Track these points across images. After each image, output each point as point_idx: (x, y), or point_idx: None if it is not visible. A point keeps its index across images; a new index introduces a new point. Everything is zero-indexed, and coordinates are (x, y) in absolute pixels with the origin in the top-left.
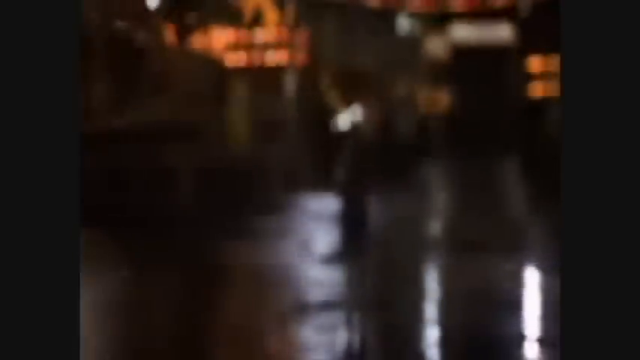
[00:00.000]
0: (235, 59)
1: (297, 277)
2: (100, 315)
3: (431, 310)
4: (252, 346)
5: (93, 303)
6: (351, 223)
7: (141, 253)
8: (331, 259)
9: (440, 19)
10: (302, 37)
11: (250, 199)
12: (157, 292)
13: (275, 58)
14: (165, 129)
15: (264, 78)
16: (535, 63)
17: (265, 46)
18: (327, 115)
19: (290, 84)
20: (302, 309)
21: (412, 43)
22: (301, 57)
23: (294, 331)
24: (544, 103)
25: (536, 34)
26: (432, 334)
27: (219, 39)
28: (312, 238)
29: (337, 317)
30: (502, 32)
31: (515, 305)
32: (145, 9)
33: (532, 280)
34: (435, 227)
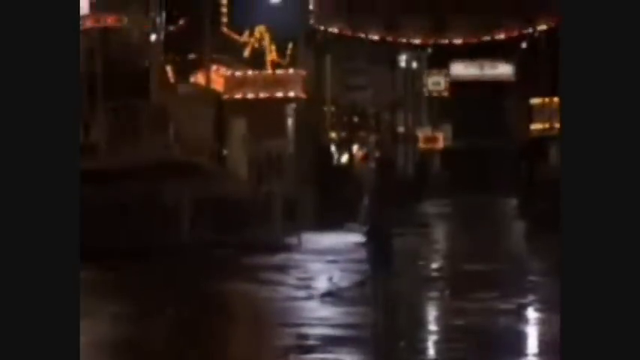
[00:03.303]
0: (235, 96)
1: (298, 314)
2: (98, 351)
3: (433, 345)
4: None
5: (90, 339)
6: (378, 259)
7: (139, 288)
8: (332, 296)
9: (440, 56)
10: (302, 74)
11: (250, 235)
12: (155, 327)
13: (275, 95)
14: (165, 165)
15: (263, 115)
16: (534, 100)
17: (265, 84)
18: (327, 151)
19: (290, 121)
20: (303, 345)
21: (412, 80)
22: (301, 94)
23: None
24: (543, 139)
25: (535, 71)
26: None
27: (219, 76)
28: (313, 275)
29: (339, 354)
30: (501, 69)
31: (515, 341)
32: (147, 45)
33: (532, 315)
34: (434, 262)
